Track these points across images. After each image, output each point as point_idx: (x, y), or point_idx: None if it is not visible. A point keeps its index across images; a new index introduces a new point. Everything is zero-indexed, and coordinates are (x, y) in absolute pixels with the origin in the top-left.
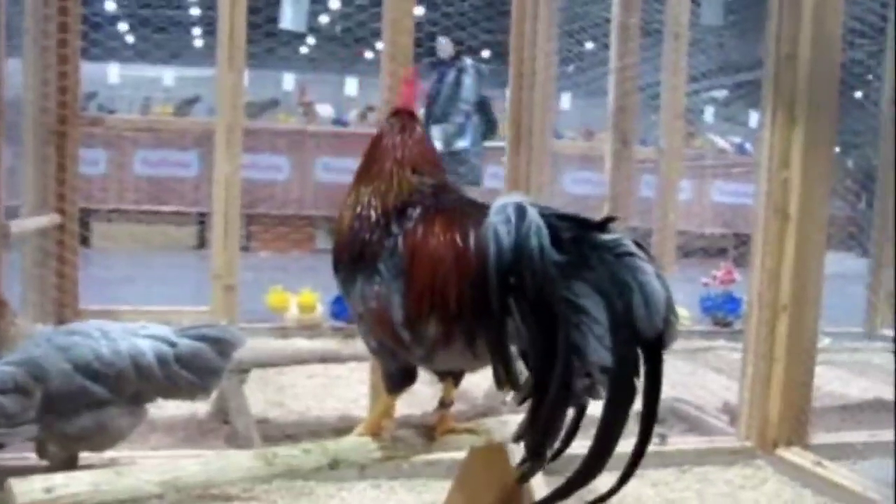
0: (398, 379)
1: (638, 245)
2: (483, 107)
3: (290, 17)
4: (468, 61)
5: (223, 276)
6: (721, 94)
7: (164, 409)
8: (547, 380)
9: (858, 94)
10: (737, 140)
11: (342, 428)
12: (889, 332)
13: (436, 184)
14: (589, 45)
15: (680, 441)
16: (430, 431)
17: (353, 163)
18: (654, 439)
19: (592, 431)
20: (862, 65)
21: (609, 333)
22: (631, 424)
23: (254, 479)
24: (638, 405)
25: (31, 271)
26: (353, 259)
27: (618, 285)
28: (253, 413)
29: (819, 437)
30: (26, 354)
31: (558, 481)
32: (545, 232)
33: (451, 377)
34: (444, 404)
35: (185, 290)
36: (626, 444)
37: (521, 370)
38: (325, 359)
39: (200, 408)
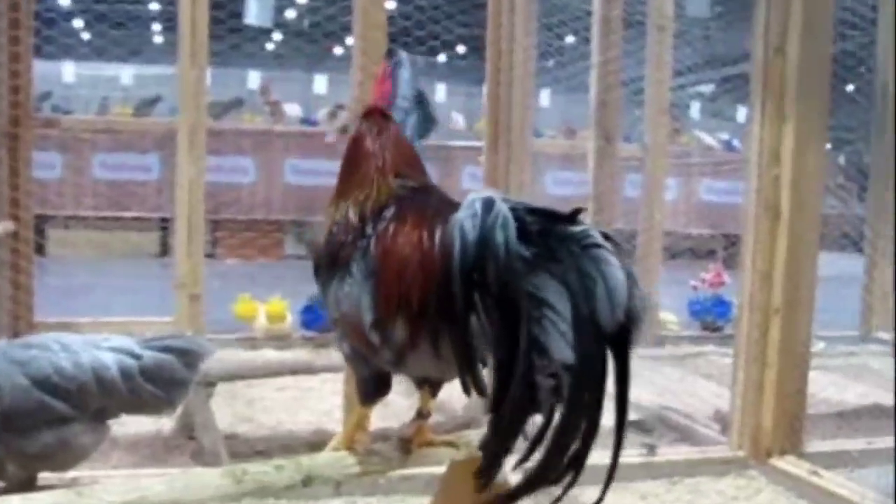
0: (372, 388)
1: (606, 237)
2: (420, 102)
3: (254, 12)
4: (403, 54)
5: (188, 285)
6: (708, 88)
7: (126, 425)
8: (509, 381)
9: (850, 88)
10: (725, 136)
11: (316, 442)
12: (886, 335)
13: (416, 186)
14: (569, 39)
15: (669, 451)
16: (406, 444)
17: (323, 164)
18: (642, 450)
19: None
20: (854, 57)
21: (571, 328)
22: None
23: (222, 498)
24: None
25: None
26: (329, 262)
27: (581, 277)
28: (221, 428)
29: (815, 445)
30: None
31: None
32: (512, 224)
33: (429, 386)
34: (421, 415)
35: (147, 300)
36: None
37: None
38: (296, 370)
39: (165, 423)
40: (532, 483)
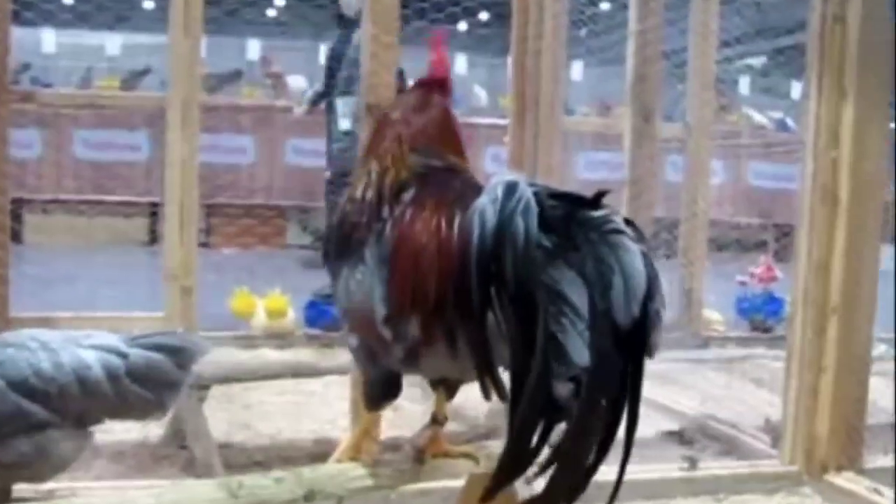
0: (379, 390)
1: (628, 222)
2: (397, 72)
3: None
4: (356, 13)
5: (179, 277)
6: (758, 60)
7: (110, 432)
8: (524, 384)
9: None
10: (777, 114)
11: (319, 453)
12: None
13: (443, 165)
14: (604, 6)
15: (713, 465)
16: (419, 454)
17: None
18: (683, 464)
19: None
20: None
21: (588, 326)
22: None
23: None
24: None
25: None
26: (341, 246)
27: (598, 266)
28: (214, 436)
29: (875, 460)
30: None
31: None
32: (534, 211)
33: (445, 387)
34: (436, 421)
35: (135, 294)
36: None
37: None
38: (298, 372)
39: (153, 430)
40: (543, 499)
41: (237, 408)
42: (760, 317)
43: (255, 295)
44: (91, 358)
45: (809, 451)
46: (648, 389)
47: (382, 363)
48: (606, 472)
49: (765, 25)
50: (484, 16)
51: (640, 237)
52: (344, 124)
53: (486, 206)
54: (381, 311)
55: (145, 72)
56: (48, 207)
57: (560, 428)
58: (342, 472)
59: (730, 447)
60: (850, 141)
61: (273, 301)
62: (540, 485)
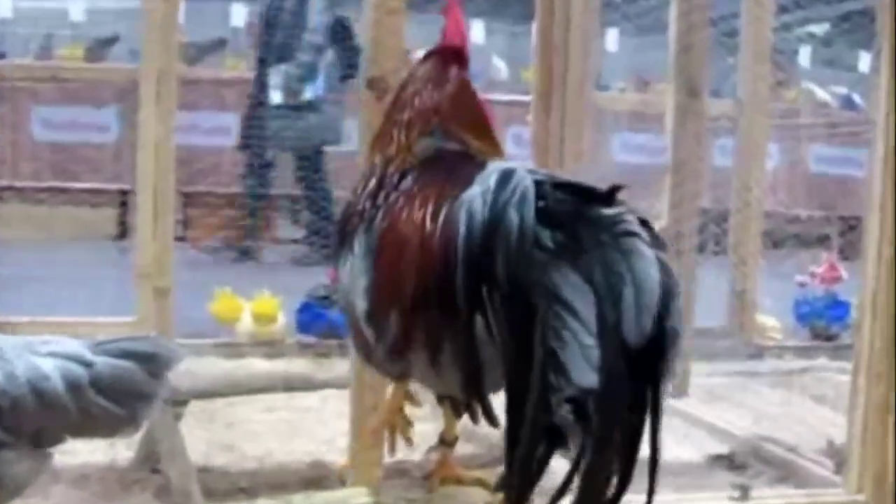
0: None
1: (643, 223)
2: (339, 35)
3: None
4: None
5: (153, 276)
6: (821, 28)
7: (72, 452)
8: (521, 405)
9: None
10: (842, 90)
11: (313, 479)
12: None
13: (459, 149)
14: None
15: (768, 494)
16: (428, 480)
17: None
18: (733, 492)
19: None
20: None
21: (596, 342)
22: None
23: None
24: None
25: None
26: (339, 235)
27: (607, 273)
28: (193, 459)
29: None
30: None
31: None
32: (531, 202)
33: (451, 403)
34: (444, 442)
35: (102, 295)
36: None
37: None
38: (290, 386)
39: (121, 451)
40: None
41: (219, 426)
42: (822, 323)
43: (240, 297)
44: (49, 367)
45: (879, 478)
46: (693, 407)
47: (373, 367)
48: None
49: None
50: None
51: (656, 241)
52: (275, 97)
53: (475, 196)
54: (361, 305)
55: (113, 40)
56: (2, 196)
57: (568, 461)
58: (341, 500)
59: (787, 473)
60: None
61: (261, 304)
62: None
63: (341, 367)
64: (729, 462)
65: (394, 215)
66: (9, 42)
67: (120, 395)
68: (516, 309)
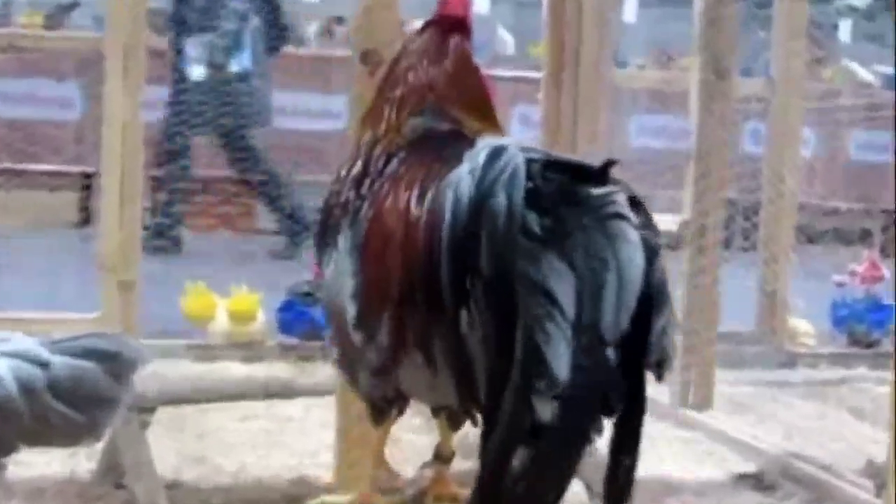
0: (379, 399)
1: (634, 203)
2: (266, 2)
3: None
4: None
5: (117, 268)
6: (863, 1)
7: (27, 464)
8: (500, 399)
9: None
10: (886, 69)
11: (294, 496)
12: None
13: (451, 128)
14: None
15: None
16: (422, 498)
17: (315, 100)
18: None
19: None
20: None
21: (573, 334)
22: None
23: None
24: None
25: None
26: (321, 230)
27: (589, 260)
28: (160, 472)
29: None
30: None
31: None
32: (521, 182)
33: (447, 415)
34: (440, 457)
35: (61, 288)
36: None
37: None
38: (269, 392)
39: (82, 463)
40: None
41: (189, 436)
42: (862, 328)
43: (215, 293)
44: (1, 368)
45: None
46: (718, 420)
47: (362, 378)
48: None
49: None
50: None
51: (646, 223)
52: (196, 72)
53: (463, 176)
54: (350, 309)
55: (74, 5)
56: None
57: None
58: None
59: (820, 494)
60: None
61: (238, 301)
62: None
63: (326, 372)
64: (756, 482)
65: (379, 204)
66: None
67: (80, 399)
68: (499, 298)
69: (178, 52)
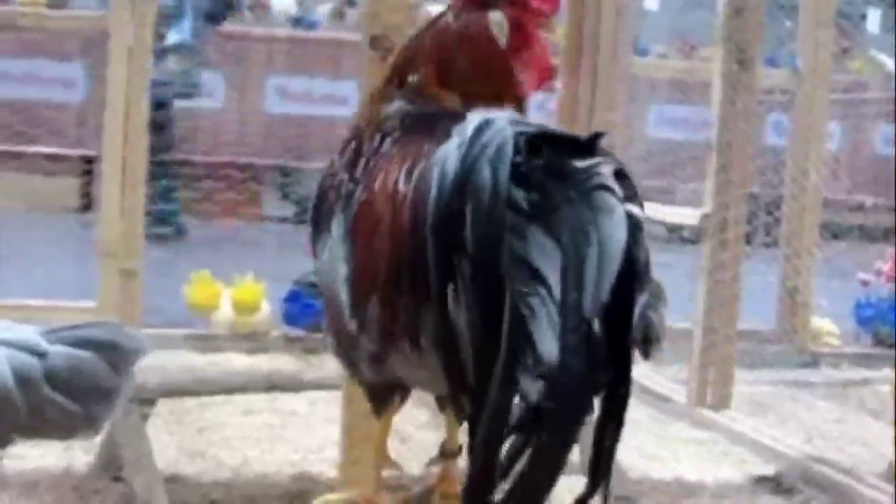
0: (378, 388)
1: (619, 175)
2: None
3: None
4: None
5: (118, 256)
6: None
7: (22, 457)
8: (487, 380)
9: None
10: None
11: (297, 492)
12: None
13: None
14: None
15: None
16: (428, 495)
17: (324, 85)
18: None
19: None
20: None
21: (558, 310)
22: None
23: None
24: None
25: None
26: (315, 216)
27: (573, 234)
28: (160, 467)
29: None
30: None
31: None
32: (507, 156)
33: (454, 407)
34: (446, 453)
35: (59, 276)
36: None
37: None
38: (273, 385)
39: (79, 456)
40: None
41: (190, 430)
42: (887, 328)
43: (219, 282)
44: None
45: None
46: (736, 421)
47: (359, 370)
48: None
49: None
50: None
51: (631, 196)
52: (171, 62)
53: (450, 151)
54: (343, 296)
55: None
56: None
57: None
58: None
59: (841, 499)
60: None
61: (242, 290)
62: None
63: (332, 365)
64: (775, 485)
65: (369, 185)
66: None
67: (77, 391)
68: (485, 276)
69: None
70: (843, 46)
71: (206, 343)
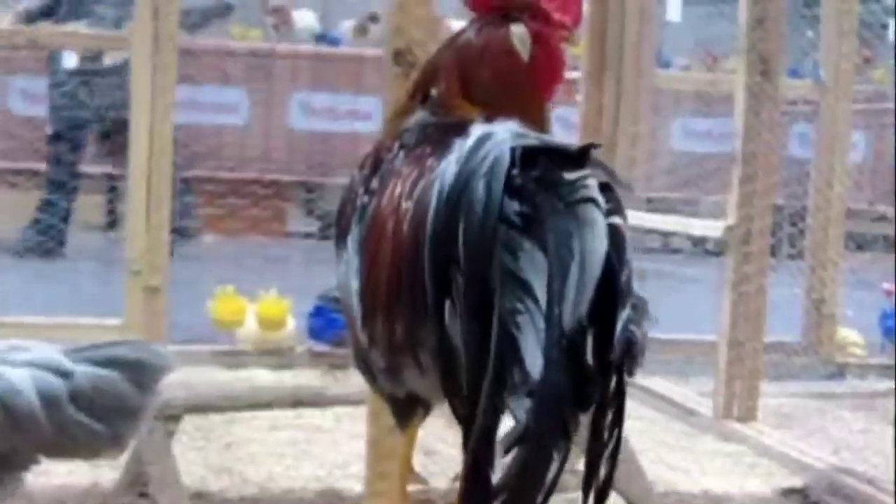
0: (399, 400)
1: (607, 188)
2: None
3: None
4: None
5: (144, 273)
6: None
7: (48, 474)
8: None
9: None
10: None
11: None
12: None
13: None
14: None
15: None
16: None
17: (347, 100)
18: None
19: None
20: None
21: (544, 325)
22: None
23: None
24: None
25: None
26: (338, 231)
27: (558, 247)
28: (186, 483)
29: None
30: None
31: None
32: (502, 170)
33: None
34: None
35: (84, 293)
36: None
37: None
38: (299, 401)
39: (105, 473)
40: None
41: (216, 446)
42: None
43: (244, 297)
44: (21, 377)
45: None
46: (762, 433)
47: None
48: None
49: None
50: None
51: (616, 208)
52: (70, 61)
53: (448, 167)
54: (356, 309)
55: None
56: None
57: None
58: None
59: None
60: None
61: (267, 306)
62: None
63: (357, 380)
64: (802, 497)
65: (379, 200)
66: None
67: (102, 411)
68: (476, 290)
69: None
70: (866, 56)
71: (232, 359)
